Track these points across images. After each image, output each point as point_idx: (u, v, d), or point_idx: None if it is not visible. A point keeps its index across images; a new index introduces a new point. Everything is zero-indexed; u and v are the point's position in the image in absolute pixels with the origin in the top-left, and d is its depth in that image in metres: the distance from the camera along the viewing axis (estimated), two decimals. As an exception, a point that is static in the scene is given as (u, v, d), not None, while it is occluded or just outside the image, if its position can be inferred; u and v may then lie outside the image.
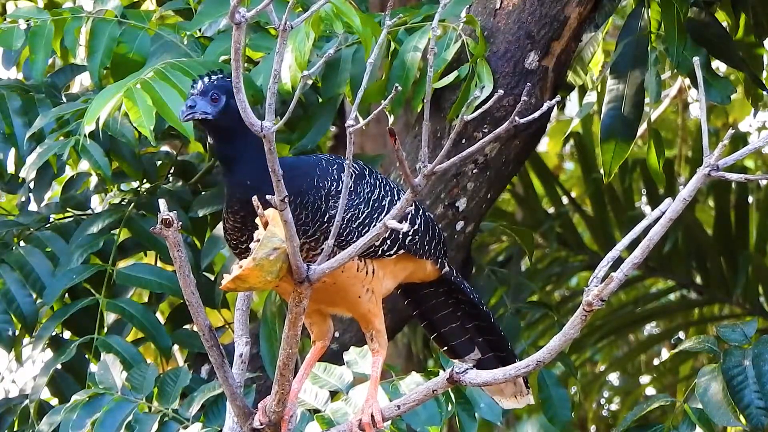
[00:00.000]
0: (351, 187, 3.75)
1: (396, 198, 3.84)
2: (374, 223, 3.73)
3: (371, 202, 3.78)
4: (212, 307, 5.37)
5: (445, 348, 4.19)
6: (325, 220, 3.65)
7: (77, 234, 5.38)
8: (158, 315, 5.65)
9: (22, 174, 5.28)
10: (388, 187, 3.85)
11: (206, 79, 3.63)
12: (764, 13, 5.55)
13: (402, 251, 3.87)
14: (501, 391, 4.20)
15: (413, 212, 3.90)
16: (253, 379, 5.17)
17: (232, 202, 3.64)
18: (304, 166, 3.70)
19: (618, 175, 7.32)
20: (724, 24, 5.49)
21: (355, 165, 3.82)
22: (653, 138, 5.44)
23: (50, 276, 5.30)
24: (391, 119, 5.39)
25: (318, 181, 3.69)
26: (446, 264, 4.05)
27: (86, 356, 5.29)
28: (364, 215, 3.75)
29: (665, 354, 9.27)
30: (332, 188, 3.70)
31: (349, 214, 3.72)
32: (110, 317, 5.48)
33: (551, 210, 7.70)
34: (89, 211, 5.65)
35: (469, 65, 5.14)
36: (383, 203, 3.80)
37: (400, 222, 3.39)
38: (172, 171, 5.69)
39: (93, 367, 5.20)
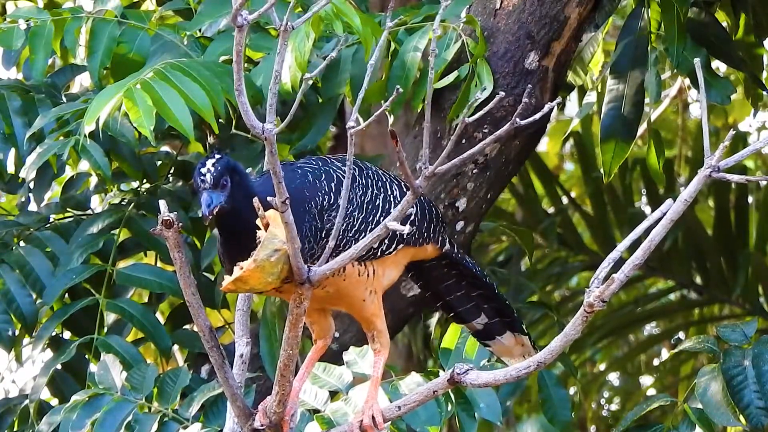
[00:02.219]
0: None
1: (389, 192, 3.82)
2: (370, 226, 3.72)
3: (365, 205, 3.76)
4: (212, 307, 5.37)
5: (452, 314, 4.18)
6: (323, 235, 3.64)
7: (77, 234, 5.38)
8: (158, 315, 5.65)
9: (22, 174, 5.28)
10: (380, 183, 3.82)
11: (210, 167, 3.60)
12: (764, 13, 5.55)
13: (402, 245, 3.86)
14: (509, 352, 4.18)
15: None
16: (253, 379, 5.17)
17: (234, 264, 3.63)
18: (291, 194, 3.60)
19: (618, 175, 7.32)
20: (724, 24, 5.49)
21: (342, 167, 3.78)
22: (653, 138, 5.44)
23: (50, 276, 5.30)
24: (390, 119, 5.38)
25: (308, 204, 3.67)
26: (446, 241, 4.04)
27: (86, 356, 5.29)
28: (359, 221, 3.74)
29: (665, 354, 9.27)
30: (324, 203, 3.68)
31: (345, 224, 3.70)
32: (110, 317, 5.48)
33: (551, 210, 7.70)
34: (89, 211, 5.65)
35: (469, 65, 5.14)
36: (377, 203, 3.78)
37: (403, 223, 3.39)
38: (172, 171, 5.68)
39: (93, 367, 5.20)
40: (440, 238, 4.00)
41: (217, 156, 3.63)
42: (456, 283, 4.13)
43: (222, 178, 3.60)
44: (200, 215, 3.66)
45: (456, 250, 4.07)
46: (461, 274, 4.11)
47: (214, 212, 3.58)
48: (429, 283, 4.13)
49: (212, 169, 3.61)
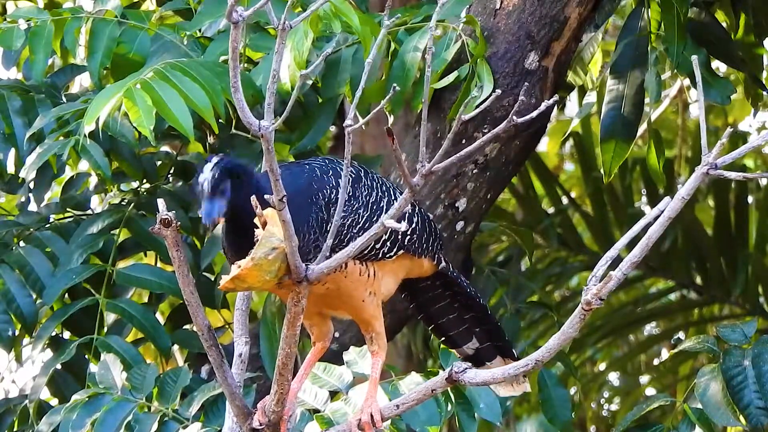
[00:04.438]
0: (349, 192, 3.74)
1: (393, 198, 3.84)
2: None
3: (370, 205, 3.78)
4: (212, 307, 5.37)
5: (443, 338, 4.19)
6: (329, 228, 3.65)
7: (77, 234, 5.38)
8: (158, 315, 5.66)
9: (22, 174, 5.28)
10: (384, 187, 3.85)
11: (208, 174, 3.59)
12: (764, 13, 5.55)
13: (401, 251, 3.87)
14: None
15: (410, 211, 3.90)
16: (253, 378, 5.17)
17: (239, 257, 3.63)
18: (299, 188, 3.64)
19: (618, 175, 7.33)
20: (724, 24, 5.49)
21: (350, 167, 3.79)
22: (653, 138, 5.44)
23: (50, 276, 5.30)
24: (390, 119, 5.39)
25: (315, 197, 3.68)
26: (442, 259, 4.05)
27: (86, 356, 5.29)
28: (363, 219, 3.75)
29: (665, 354, 9.27)
30: (332, 195, 3.70)
31: (350, 220, 3.71)
32: (110, 317, 5.48)
33: (551, 210, 7.70)
34: (89, 211, 5.65)
35: (469, 65, 5.14)
36: (381, 205, 3.80)
37: (399, 221, 3.39)
38: (172, 171, 5.68)
39: (93, 367, 5.21)
40: (437, 255, 4.02)
41: (215, 160, 3.61)
42: (449, 305, 4.14)
43: (221, 185, 3.59)
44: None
45: (451, 269, 4.08)
46: (455, 295, 4.13)
47: (216, 222, 3.57)
48: (423, 304, 4.15)
49: (210, 175, 3.59)
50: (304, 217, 3.59)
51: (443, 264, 4.06)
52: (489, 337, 4.16)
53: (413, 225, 3.90)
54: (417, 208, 3.96)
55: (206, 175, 3.59)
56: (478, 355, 4.18)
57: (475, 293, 4.14)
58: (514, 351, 4.19)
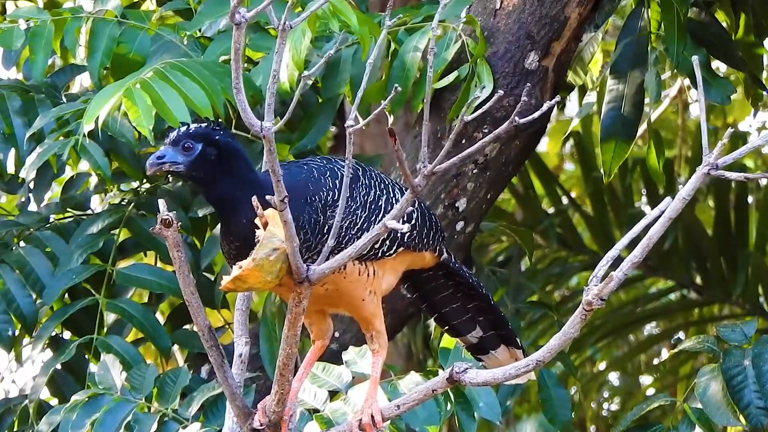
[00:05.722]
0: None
1: (392, 194, 3.83)
2: (372, 225, 3.72)
3: (368, 205, 3.76)
4: (212, 307, 5.37)
5: (447, 328, 4.18)
6: (325, 231, 3.63)
7: (77, 234, 5.38)
8: (158, 315, 5.65)
9: (22, 174, 5.29)
10: (382, 185, 3.83)
11: (182, 129, 3.60)
12: (764, 13, 5.55)
13: (401, 248, 3.87)
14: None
15: (410, 208, 3.89)
16: (253, 379, 5.17)
17: (231, 238, 3.62)
18: (295, 186, 3.61)
19: (618, 175, 7.33)
20: (724, 24, 5.49)
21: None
22: (653, 138, 5.44)
23: (50, 276, 5.30)
24: (390, 119, 5.39)
25: (311, 198, 3.66)
26: (444, 250, 4.05)
27: (86, 356, 5.30)
28: (362, 220, 3.74)
29: (665, 354, 9.27)
30: (328, 198, 3.67)
31: (348, 222, 3.70)
32: (110, 317, 5.48)
33: (551, 210, 7.70)
34: (89, 211, 5.65)
35: (469, 65, 5.14)
36: (380, 203, 3.79)
37: (402, 222, 3.39)
38: (172, 171, 5.67)
39: (93, 367, 5.21)
40: (438, 247, 4.01)
41: (203, 124, 3.61)
42: (452, 295, 4.14)
43: (187, 140, 3.57)
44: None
45: (453, 260, 4.08)
46: (457, 285, 4.12)
47: (162, 168, 3.56)
48: (425, 294, 4.14)
49: (184, 129, 3.59)
50: (296, 217, 3.57)
51: (445, 255, 4.05)
52: (492, 326, 4.16)
53: (413, 221, 3.88)
54: (416, 203, 3.94)
55: (181, 129, 3.59)
56: (482, 344, 4.17)
57: (477, 283, 4.13)
58: (518, 340, 4.18)
